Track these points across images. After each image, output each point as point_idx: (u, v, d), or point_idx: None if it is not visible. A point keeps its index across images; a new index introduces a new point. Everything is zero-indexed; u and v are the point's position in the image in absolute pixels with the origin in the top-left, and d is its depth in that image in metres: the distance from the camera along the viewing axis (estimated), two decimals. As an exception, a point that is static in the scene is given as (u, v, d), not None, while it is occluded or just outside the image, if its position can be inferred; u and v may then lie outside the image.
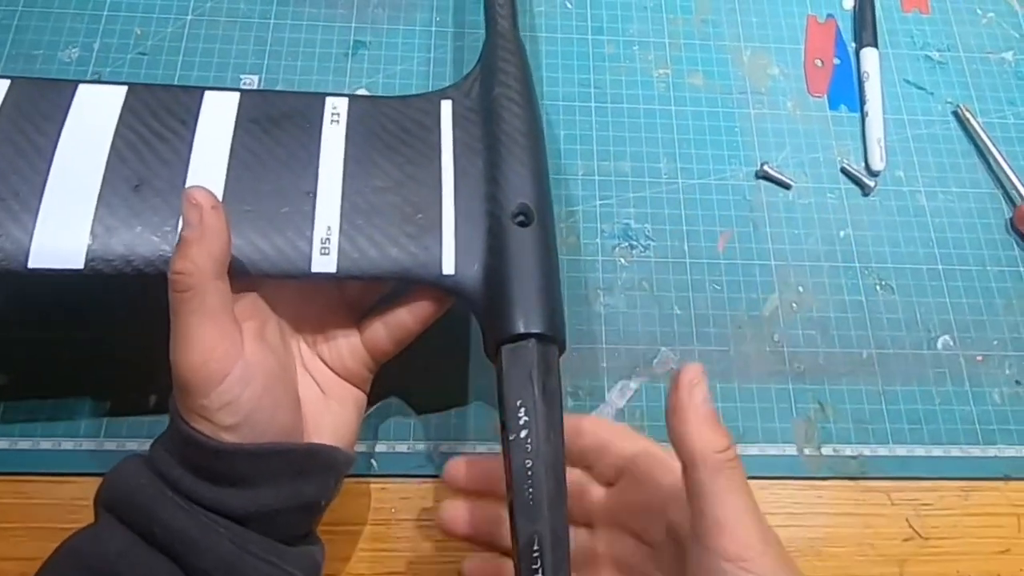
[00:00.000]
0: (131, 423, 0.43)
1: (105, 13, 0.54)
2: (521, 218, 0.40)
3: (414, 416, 0.44)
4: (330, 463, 0.37)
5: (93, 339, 0.45)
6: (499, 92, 0.44)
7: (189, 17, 0.54)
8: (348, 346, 0.40)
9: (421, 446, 0.44)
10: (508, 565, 0.36)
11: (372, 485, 0.43)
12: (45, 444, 0.42)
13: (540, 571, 0.33)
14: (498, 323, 0.37)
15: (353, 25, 0.55)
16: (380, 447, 0.43)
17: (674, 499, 0.35)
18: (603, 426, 0.39)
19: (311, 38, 0.54)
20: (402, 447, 0.44)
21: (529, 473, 0.34)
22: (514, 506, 0.34)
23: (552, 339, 0.37)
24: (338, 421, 0.39)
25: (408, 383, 0.45)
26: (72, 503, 0.41)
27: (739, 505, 0.31)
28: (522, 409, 0.35)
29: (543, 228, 0.40)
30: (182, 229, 0.34)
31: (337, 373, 0.40)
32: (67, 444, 0.42)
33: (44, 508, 0.41)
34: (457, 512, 0.38)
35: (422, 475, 0.43)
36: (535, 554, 0.33)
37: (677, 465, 0.33)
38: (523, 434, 0.35)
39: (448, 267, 0.39)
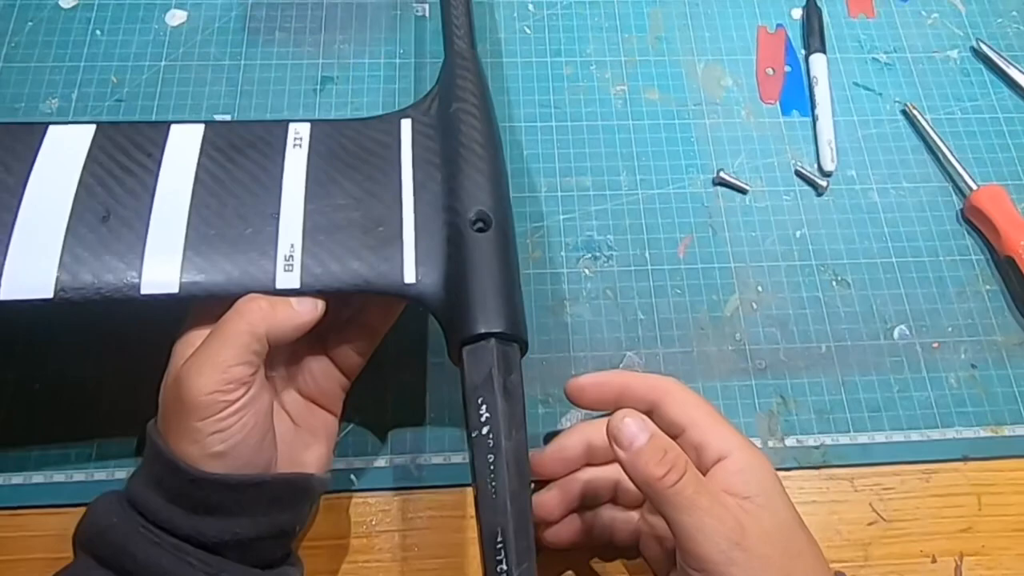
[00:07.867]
0: (120, 446, 0.45)
1: (83, 64, 0.56)
2: (480, 224, 0.41)
3: (388, 433, 0.46)
4: (305, 491, 0.38)
5: (80, 379, 0.46)
6: (457, 107, 0.45)
7: (163, 63, 0.56)
8: (320, 369, 0.42)
9: (399, 460, 0.45)
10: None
11: (353, 500, 0.44)
12: (37, 478, 0.44)
13: (504, 562, 0.34)
14: (459, 325, 0.38)
15: (320, 61, 0.57)
16: (358, 463, 0.45)
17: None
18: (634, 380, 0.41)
19: (280, 76, 0.57)
20: (380, 462, 0.45)
21: (491, 468, 0.35)
22: (477, 501, 0.35)
23: (513, 338, 0.38)
24: (311, 451, 0.40)
25: (370, 409, 0.46)
26: (66, 533, 0.42)
27: None
28: (483, 406, 0.36)
29: (502, 233, 0.41)
30: None
31: (313, 399, 0.42)
32: (58, 476, 0.44)
33: (40, 539, 0.43)
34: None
35: (400, 487, 0.45)
36: (499, 546, 0.34)
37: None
38: (485, 430, 0.36)
39: (409, 276, 0.40)
